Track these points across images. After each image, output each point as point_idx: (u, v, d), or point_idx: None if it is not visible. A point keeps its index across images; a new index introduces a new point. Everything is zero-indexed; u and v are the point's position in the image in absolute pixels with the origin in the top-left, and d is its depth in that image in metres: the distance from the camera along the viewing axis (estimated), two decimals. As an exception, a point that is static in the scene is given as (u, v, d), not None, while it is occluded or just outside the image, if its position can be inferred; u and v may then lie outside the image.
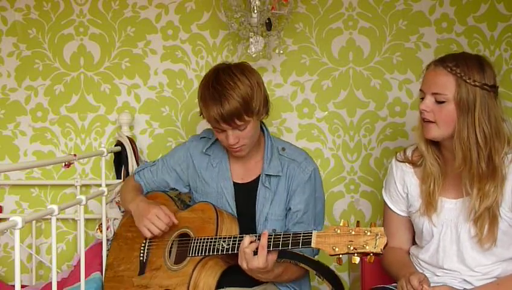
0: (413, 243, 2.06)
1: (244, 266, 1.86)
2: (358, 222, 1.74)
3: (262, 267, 1.83)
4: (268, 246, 1.83)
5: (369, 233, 1.69)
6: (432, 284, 1.81)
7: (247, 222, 2.08)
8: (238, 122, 1.96)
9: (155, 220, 1.99)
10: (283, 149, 2.13)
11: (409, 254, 2.04)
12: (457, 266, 1.89)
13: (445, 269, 1.91)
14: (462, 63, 1.80)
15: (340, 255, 1.72)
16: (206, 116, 2.01)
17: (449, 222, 1.89)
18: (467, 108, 1.78)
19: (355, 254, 1.70)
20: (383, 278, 2.05)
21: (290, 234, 1.82)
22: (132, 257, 2.15)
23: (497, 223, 1.81)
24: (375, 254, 1.68)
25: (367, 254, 1.69)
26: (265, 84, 2.08)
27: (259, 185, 2.10)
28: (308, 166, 2.11)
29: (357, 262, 1.70)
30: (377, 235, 1.68)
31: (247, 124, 1.98)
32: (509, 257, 1.87)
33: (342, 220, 1.75)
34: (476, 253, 1.86)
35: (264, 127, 2.16)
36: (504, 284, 1.83)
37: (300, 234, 1.80)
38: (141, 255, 2.12)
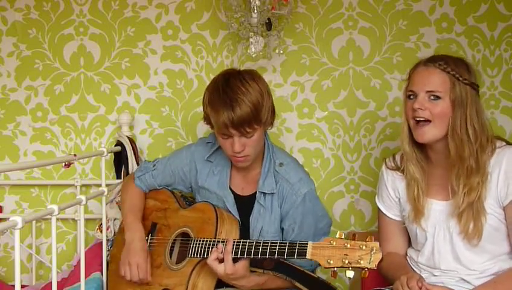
0: (410, 245, 2.06)
1: (216, 273, 1.90)
2: (354, 235, 1.72)
3: (230, 273, 1.87)
4: (236, 253, 1.86)
5: (364, 247, 1.68)
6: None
7: (244, 232, 2.06)
8: (248, 129, 1.93)
9: (134, 269, 2.04)
10: (280, 165, 2.08)
11: (406, 257, 2.05)
12: (454, 266, 1.90)
13: (442, 269, 1.91)
14: (451, 63, 1.86)
15: (335, 269, 1.71)
16: (215, 121, 1.96)
17: (441, 223, 1.91)
18: (460, 105, 1.82)
19: (350, 268, 1.69)
20: (384, 279, 2.04)
21: (286, 243, 1.82)
22: None
23: (483, 219, 1.83)
24: (370, 269, 1.68)
25: (361, 268, 1.68)
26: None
27: (255, 201, 2.08)
28: (301, 188, 2.04)
29: (351, 276, 1.69)
30: (372, 250, 1.67)
31: (255, 132, 1.96)
32: (504, 253, 1.88)
33: (338, 232, 1.75)
34: (469, 251, 1.87)
35: (266, 139, 2.11)
36: (501, 282, 1.84)
37: (296, 243, 1.80)
38: None
